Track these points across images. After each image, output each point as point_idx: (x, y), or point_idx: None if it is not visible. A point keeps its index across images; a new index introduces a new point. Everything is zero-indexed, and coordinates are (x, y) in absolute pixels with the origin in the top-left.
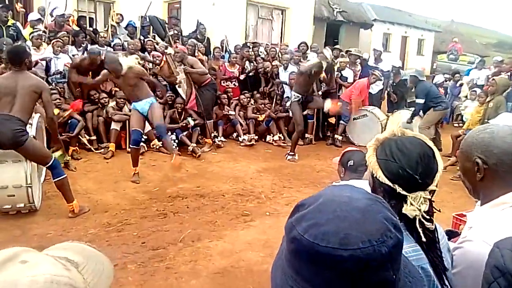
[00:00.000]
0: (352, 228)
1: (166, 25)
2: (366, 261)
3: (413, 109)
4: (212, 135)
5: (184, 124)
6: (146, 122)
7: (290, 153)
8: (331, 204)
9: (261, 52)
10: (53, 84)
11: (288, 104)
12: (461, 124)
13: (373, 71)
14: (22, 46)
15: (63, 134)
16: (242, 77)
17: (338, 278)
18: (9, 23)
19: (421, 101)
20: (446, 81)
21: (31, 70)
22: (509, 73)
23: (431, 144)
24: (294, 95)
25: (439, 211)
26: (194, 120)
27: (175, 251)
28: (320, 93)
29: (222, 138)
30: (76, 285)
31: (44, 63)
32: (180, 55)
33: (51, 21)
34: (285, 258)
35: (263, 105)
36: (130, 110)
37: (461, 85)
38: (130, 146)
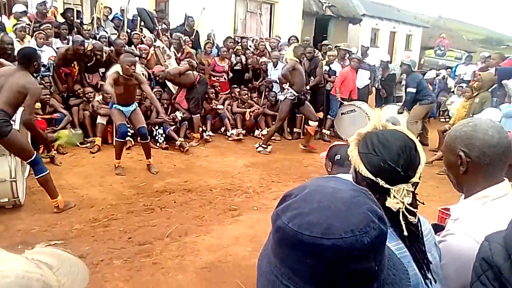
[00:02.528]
0: (335, 219)
1: (155, 17)
2: (348, 250)
3: (401, 104)
4: (200, 129)
5: (172, 118)
6: None
7: (263, 144)
8: (316, 194)
9: (249, 46)
10: (38, 78)
11: (282, 98)
12: (447, 119)
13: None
14: (34, 49)
15: (48, 128)
16: (230, 74)
17: (321, 267)
18: None
19: (413, 90)
20: (437, 76)
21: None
22: (494, 68)
23: (413, 137)
24: (291, 93)
25: (423, 203)
26: (182, 114)
27: (162, 246)
28: (308, 87)
29: (210, 133)
30: (49, 282)
31: None
32: (162, 76)
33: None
34: (270, 248)
35: (246, 96)
36: None
37: (443, 77)
38: (116, 139)
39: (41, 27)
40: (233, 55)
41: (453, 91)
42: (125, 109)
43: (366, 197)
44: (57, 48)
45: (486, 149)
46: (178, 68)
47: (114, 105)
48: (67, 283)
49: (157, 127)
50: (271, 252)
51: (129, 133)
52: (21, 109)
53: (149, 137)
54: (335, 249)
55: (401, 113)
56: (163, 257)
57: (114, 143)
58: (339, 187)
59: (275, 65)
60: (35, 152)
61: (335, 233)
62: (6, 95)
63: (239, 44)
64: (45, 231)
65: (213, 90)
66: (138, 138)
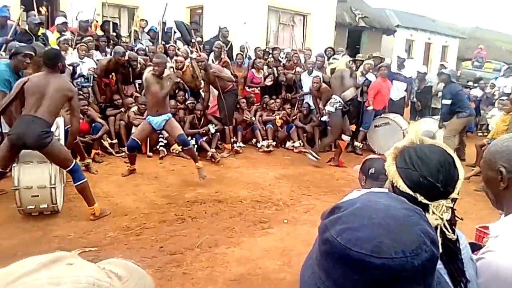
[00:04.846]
0: (386, 237)
1: (192, 30)
2: (398, 271)
3: (437, 117)
4: (232, 140)
5: (204, 131)
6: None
7: (314, 153)
8: (367, 209)
9: (281, 57)
10: (78, 88)
11: (332, 110)
12: (486, 134)
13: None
14: (59, 50)
15: (86, 136)
16: (267, 82)
17: (368, 285)
18: (39, 33)
19: (448, 102)
20: (486, 97)
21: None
22: None
23: (451, 151)
24: (339, 102)
25: (461, 219)
26: (215, 126)
27: (192, 256)
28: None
29: (241, 144)
30: None
31: (71, 68)
32: (204, 64)
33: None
34: (316, 258)
35: (274, 105)
36: None
37: (483, 93)
38: (127, 152)
39: (83, 40)
40: (265, 67)
41: (493, 104)
42: (155, 121)
43: (419, 217)
44: (97, 60)
45: None
46: (222, 70)
47: (147, 117)
48: None
49: (189, 138)
50: (316, 263)
51: (162, 143)
52: (61, 119)
53: (190, 142)
54: (384, 268)
55: (442, 127)
56: (193, 268)
57: (147, 153)
58: (392, 205)
59: (309, 73)
60: (74, 160)
61: (385, 252)
62: (50, 102)
63: (271, 55)
64: (80, 237)
65: (244, 100)
66: (171, 148)
